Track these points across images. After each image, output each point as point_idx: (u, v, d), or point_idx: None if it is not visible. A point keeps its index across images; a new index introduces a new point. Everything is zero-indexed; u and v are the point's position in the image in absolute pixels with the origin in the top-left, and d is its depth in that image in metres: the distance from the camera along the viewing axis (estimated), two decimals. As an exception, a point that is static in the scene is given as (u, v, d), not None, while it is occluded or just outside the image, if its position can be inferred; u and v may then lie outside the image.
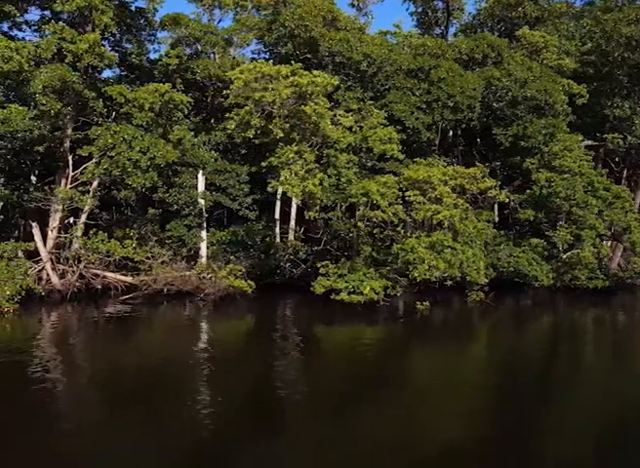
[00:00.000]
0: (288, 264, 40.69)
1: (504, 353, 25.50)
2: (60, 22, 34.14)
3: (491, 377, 21.59)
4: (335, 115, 28.35)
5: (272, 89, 26.36)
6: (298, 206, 44.55)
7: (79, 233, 36.74)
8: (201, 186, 39.93)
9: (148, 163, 33.13)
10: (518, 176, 38.32)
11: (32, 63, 32.39)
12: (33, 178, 41.67)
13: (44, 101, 32.75)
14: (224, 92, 28.61)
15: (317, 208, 27.78)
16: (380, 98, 36.99)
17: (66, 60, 33.98)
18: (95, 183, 37.04)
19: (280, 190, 45.46)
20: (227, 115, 28.41)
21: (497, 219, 38.87)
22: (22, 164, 39.00)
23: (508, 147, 36.35)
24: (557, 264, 35.49)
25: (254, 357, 24.26)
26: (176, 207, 37.71)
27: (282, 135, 27.08)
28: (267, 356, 23.94)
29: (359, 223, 28.98)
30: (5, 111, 31.91)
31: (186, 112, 37.24)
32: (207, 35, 44.09)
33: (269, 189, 44.47)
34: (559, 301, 36.26)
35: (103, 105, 35.71)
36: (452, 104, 34.44)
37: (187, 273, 36.86)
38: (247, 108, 26.99)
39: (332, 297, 29.68)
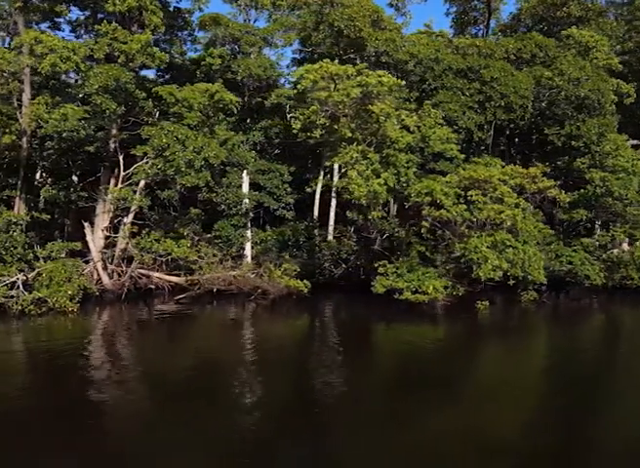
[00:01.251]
0: (327, 264, 40.77)
1: (566, 352, 25.58)
2: (114, 23, 34.10)
3: (555, 376, 21.67)
4: (399, 115, 28.37)
5: (339, 88, 26.34)
6: (336, 205, 44.79)
7: (127, 233, 36.82)
8: (245, 186, 40.00)
9: (202, 163, 33.16)
10: (562, 176, 38.30)
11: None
12: (74, 178, 41.77)
13: (99, 101, 32.79)
14: (293, 91, 28.31)
15: (379, 207, 27.78)
16: (424, 98, 36.98)
17: (119, 61, 34.06)
18: (142, 183, 37.06)
19: (319, 190, 45.70)
20: (292, 115, 28.40)
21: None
22: (68, 164, 39.08)
23: (560, 147, 36.39)
24: (607, 263, 35.56)
25: (318, 355, 24.46)
26: (223, 207, 37.69)
27: (350, 134, 27.10)
28: (331, 354, 24.09)
29: (424, 223, 28.99)
30: (61, 110, 31.91)
31: (236, 112, 37.27)
32: (246, 35, 44.19)
33: (309, 189, 45.05)
34: (613, 300, 36.34)
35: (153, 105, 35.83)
36: (505, 104, 34.46)
37: (246, 273, 36.87)
38: (313, 108, 26.99)
39: (395, 297, 29.74)
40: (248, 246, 39.66)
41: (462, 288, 30.26)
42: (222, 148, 35.69)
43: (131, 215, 37.61)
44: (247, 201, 39.15)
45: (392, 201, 34.68)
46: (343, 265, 40.78)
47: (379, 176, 27.11)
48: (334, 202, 45.34)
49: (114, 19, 36.32)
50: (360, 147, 27.62)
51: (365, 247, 38.16)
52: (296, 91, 27.55)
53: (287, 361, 23.17)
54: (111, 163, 37.92)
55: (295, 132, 28.52)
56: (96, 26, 34.48)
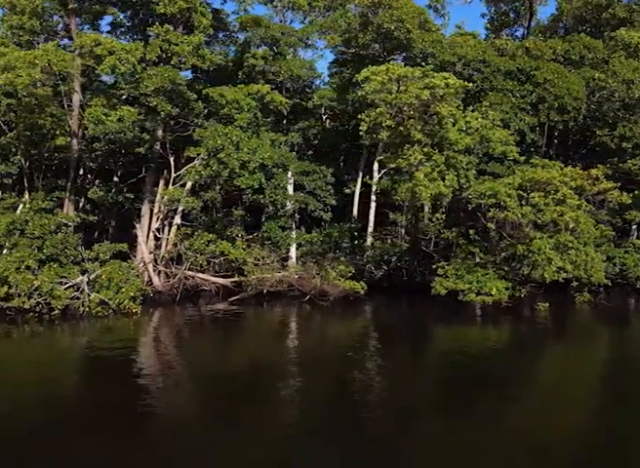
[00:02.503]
0: (370, 266, 40.81)
1: (627, 354, 25.57)
2: (166, 25, 34.13)
3: (616, 378, 21.53)
4: (465, 117, 28.38)
5: (407, 90, 26.35)
6: (375, 207, 44.90)
7: (180, 235, 36.89)
8: (291, 187, 40.07)
9: (256, 164, 33.20)
10: (611, 178, 38.25)
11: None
12: (115, 180, 41.84)
13: (155, 103, 32.83)
14: (360, 93, 28.20)
15: (442, 209, 27.79)
16: (470, 100, 36.98)
17: (172, 62, 34.10)
18: (188, 185, 37.09)
19: (357, 191, 45.74)
20: (360, 116, 28.43)
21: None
22: (114, 165, 39.13)
23: (610, 149, 36.41)
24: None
25: (379, 355, 24.47)
26: (271, 208, 37.71)
27: (420, 136, 27.13)
28: (393, 354, 24.08)
29: (489, 224, 28.99)
30: (118, 112, 31.95)
31: (285, 113, 37.30)
32: (285, 36, 44.23)
33: (347, 190, 45.13)
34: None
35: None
36: (558, 106, 34.48)
37: (292, 274, 36.87)
38: (380, 110, 27.00)
39: (460, 299, 29.78)
40: (293, 247, 39.71)
41: (524, 289, 30.30)
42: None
43: (178, 217, 37.72)
44: (292, 202, 39.21)
45: (438, 202, 34.66)
46: (385, 267, 40.85)
47: (443, 179, 27.11)
48: (373, 203, 45.48)
49: (158, 20, 36.44)
50: (426, 149, 27.62)
51: (410, 248, 38.16)
52: (362, 93, 27.48)
53: (348, 362, 23.12)
54: (157, 164, 38.00)
55: (361, 133, 28.53)
56: (148, 28, 34.47)
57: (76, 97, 35.51)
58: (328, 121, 51.79)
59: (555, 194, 28.42)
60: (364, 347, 26.11)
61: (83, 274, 29.86)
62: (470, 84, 28.97)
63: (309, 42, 48.54)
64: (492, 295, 28.65)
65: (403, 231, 39.42)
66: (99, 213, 40.64)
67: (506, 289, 29.39)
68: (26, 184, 37.39)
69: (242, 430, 15.93)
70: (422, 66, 33.61)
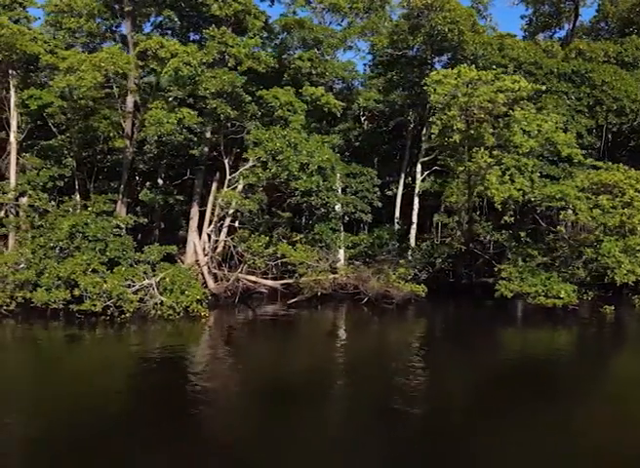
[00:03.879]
0: (418, 267, 40.73)
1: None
2: (223, 27, 34.09)
3: None
4: (536, 119, 28.33)
5: (479, 94, 26.33)
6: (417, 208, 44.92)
7: (223, 237, 36.89)
8: (339, 189, 40.03)
9: (315, 167, 33.18)
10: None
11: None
12: (159, 181, 41.83)
13: (214, 105, 32.81)
14: (433, 97, 27.99)
15: (511, 212, 27.77)
16: (524, 103, 36.90)
17: (229, 64, 34.08)
18: (240, 187, 37.06)
19: (399, 193, 45.72)
20: (431, 119, 28.36)
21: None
22: (165, 168, 39.14)
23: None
24: None
25: (445, 357, 24.37)
26: (323, 210, 37.63)
27: (493, 140, 27.11)
28: (461, 357, 24.02)
29: (559, 227, 28.96)
30: (178, 114, 31.93)
31: (339, 115, 37.29)
32: (328, 38, 44.19)
33: (389, 192, 45.12)
34: None
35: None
36: (616, 108, 34.45)
37: (343, 276, 36.83)
38: (451, 113, 26.96)
39: (528, 301, 29.76)
40: (341, 249, 39.65)
41: (592, 292, 30.27)
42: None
43: (228, 219, 37.71)
44: (340, 204, 39.17)
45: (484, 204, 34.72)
46: (430, 269, 40.77)
47: (513, 181, 27.07)
48: (416, 205, 45.45)
49: (206, 22, 36.43)
50: (495, 152, 27.60)
51: (462, 250, 38.12)
52: (436, 96, 27.41)
53: (413, 363, 23.11)
54: (206, 166, 37.99)
55: (432, 136, 28.47)
56: (204, 30, 34.43)
57: (130, 100, 35.53)
58: (366, 122, 51.84)
59: (622, 197, 28.35)
60: (431, 350, 26.05)
61: (148, 277, 29.76)
62: (543, 87, 28.95)
63: (350, 44, 48.65)
64: (561, 298, 28.60)
65: (457, 233, 39.19)
66: (147, 215, 40.69)
67: (573, 291, 29.32)
68: (77, 187, 37.45)
69: (303, 434, 15.83)
70: (475, 69, 33.63)
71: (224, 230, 37.40)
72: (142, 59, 31.96)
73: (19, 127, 35.00)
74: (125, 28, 35.59)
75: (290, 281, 37.40)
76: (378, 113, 50.21)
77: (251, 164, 34.86)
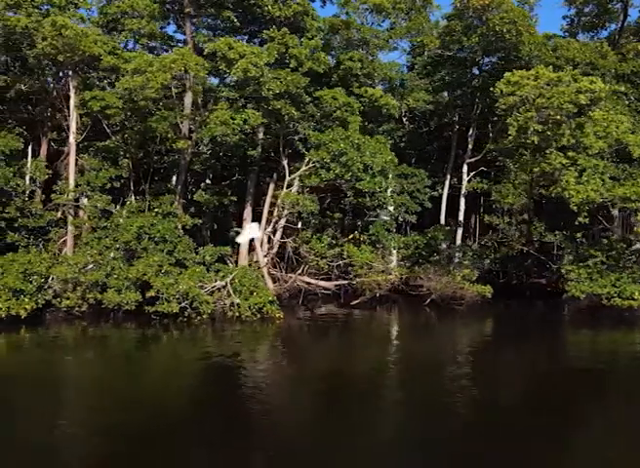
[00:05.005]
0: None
1: None
2: (284, 28, 34.06)
3: None
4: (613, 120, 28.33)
5: (556, 95, 26.33)
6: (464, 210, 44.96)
7: (277, 237, 36.87)
8: (389, 190, 40.01)
9: (379, 167, 33.18)
10: None
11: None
12: (207, 182, 41.87)
13: (278, 106, 32.82)
14: (510, 98, 27.87)
15: (585, 213, 27.75)
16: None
17: (290, 65, 34.05)
18: (295, 188, 37.03)
19: (445, 193, 45.70)
20: (507, 121, 28.36)
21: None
22: (221, 168, 39.13)
23: None
24: None
25: (520, 360, 24.30)
26: (379, 211, 37.67)
27: (573, 141, 27.11)
28: (535, 358, 23.89)
29: (637, 229, 28.96)
30: (243, 115, 31.95)
31: (397, 116, 37.31)
32: (374, 38, 44.20)
33: (434, 193, 45.08)
34: None
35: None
36: (680, 108, 34.54)
37: (392, 277, 36.86)
38: (528, 114, 26.95)
39: (604, 303, 29.74)
40: (394, 250, 39.66)
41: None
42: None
43: (283, 220, 37.69)
44: (394, 205, 39.20)
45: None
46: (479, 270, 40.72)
47: (588, 182, 27.08)
48: (462, 206, 45.46)
49: (263, 23, 36.46)
50: (571, 153, 27.59)
51: (518, 251, 38.11)
52: (508, 97, 27.38)
53: (485, 366, 23.04)
54: (260, 167, 38.00)
55: (510, 137, 28.44)
56: (264, 31, 34.43)
57: (188, 100, 35.54)
58: (407, 123, 51.83)
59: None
60: (504, 351, 26.06)
61: (219, 278, 29.78)
62: (623, 87, 28.94)
63: (395, 44, 48.67)
64: (635, 299, 28.62)
65: (515, 234, 39.11)
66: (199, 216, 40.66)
67: (645, 293, 29.32)
68: (132, 188, 37.45)
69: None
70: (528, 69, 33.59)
71: (279, 231, 37.43)
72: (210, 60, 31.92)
73: (77, 128, 35.00)
74: (186, 30, 35.52)
75: (344, 282, 37.49)
76: (419, 114, 50.26)
77: (310, 165, 34.81)
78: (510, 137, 27.91)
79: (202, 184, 38.54)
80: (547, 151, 27.61)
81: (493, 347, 27.09)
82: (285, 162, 35.60)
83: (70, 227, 34.30)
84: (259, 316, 28.40)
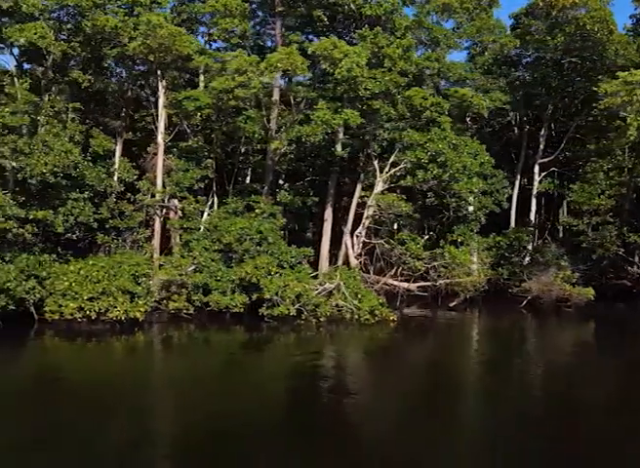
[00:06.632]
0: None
1: None
2: (377, 27, 33.70)
3: None
4: None
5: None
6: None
7: (362, 239, 36.51)
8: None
9: (477, 168, 32.84)
10: None
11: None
12: (280, 182, 41.44)
13: (377, 106, 32.49)
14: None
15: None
16: None
17: (384, 65, 33.68)
18: (378, 188, 36.61)
19: (515, 194, 45.30)
20: (629, 121, 28.04)
21: None
22: (305, 168, 38.73)
23: None
24: None
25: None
26: (464, 212, 37.27)
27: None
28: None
29: None
30: (342, 115, 31.59)
31: (486, 116, 37.01)
32: (444, 38, 43.83)
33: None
34: None
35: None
36: None
37: (476, 279, 36.47)
38: (651, 113, 26.69)
39: None
40: (474, 251, 39.25)
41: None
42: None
43: (366, 221, 37.28)
44: (473, 206, 38.80)
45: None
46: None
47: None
48: (534, 207, 45.16)
49: (353, 24, 36.13)
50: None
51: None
52: (619, 98, 27.10)
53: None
54: (341, 167, 37.59)
55: (631, 136, 28.11)
56: (357, 31, 34.06)
57: (276, 99, 35.22)
58: (470, 123, 51.44)
59: None
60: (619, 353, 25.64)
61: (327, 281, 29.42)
62: None
63: (464, 44, 48.27)
64: None
65: (610, 235, 38.46)
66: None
67: None
68: (215, 188, 37.07)
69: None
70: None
71: (363, 232, 37.03)
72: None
73: (166, 128, 34.68)
74: (276, 29, 35.20)
75: (427, 283, 37.11)
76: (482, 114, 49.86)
77: (402, 165, 34.46)
78: (632, 137, 27.56)
79: (285, 185, 38.07)
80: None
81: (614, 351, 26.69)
82: (376, 162, 35.16)
83: (157, 228, 34.10)
84: (376, 319, 27.96)
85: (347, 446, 14.66)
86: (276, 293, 27.51)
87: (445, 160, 32.22)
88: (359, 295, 29.65)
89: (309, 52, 30.73)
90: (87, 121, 36.31)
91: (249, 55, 32.97)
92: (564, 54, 39.78)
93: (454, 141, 32.71)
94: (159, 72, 33.99)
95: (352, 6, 35.03)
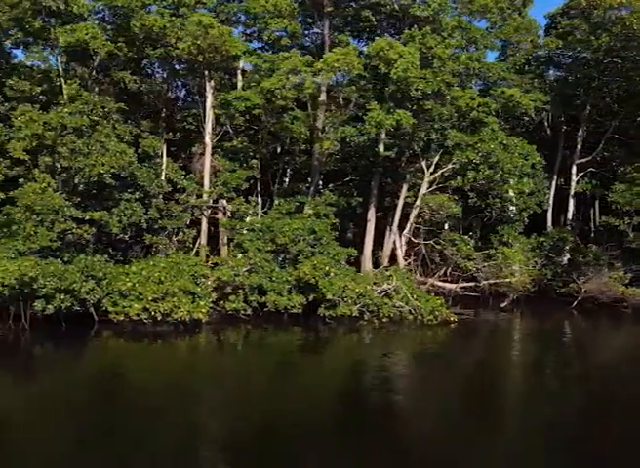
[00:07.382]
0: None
1: None
2: (426, 27, 33.62)
3: None
4: None
5: None
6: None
7: (405, 239, 36.46)
8: (511, 191, 39.53)
9: (529, 168, 32.80)
10: None
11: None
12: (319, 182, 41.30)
13: (429, 107, 32.43)
14: None
15: None
16: None
17: (434, 65, 33.60)
18: (423, 189, 36.50)
19: (552, 194, 45.20)
20: None
21: None
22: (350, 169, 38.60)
23: None
24: None
25: None
26: (508, 212, 37.18)
27: None
28: None
29: None
30: (394, 115, 31.53)
31: (533, 115, 36.97)
32: (482, 38, 43.74)
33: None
34: None
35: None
36: None
37: (520, 279, 36.37)
38: None
39: None
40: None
41: None
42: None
43: (414, 222, 37.15)
44: (515, 206, 38.73)
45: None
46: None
47: None
48: (571, 207, 45.03)
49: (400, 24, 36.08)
50: None
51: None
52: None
53: None
54: (384, 167, 37.48)
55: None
56: (406, 31, 33.99)
57: (322, 100, 35.13)
58: (502, 122, 51.31)
59: None
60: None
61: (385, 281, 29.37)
62: None
63: (499, 44, 48.11)
64: None
65: None
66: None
67: None
68: (259, 188, 37.01)
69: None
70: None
71: (410, 233, 36.93)
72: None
73: (212, 129, 34.63)
74: (324, 29, 35.12)
75: (471, 284, 37.00)
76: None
77: (450, 165, 34.39)
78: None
79: (330, 185, 37.96)
80: None
81: None
82: (423, 163, 35.08)
83: (204, 228, 34.09)
84: (438, 319, 27.90)
85: (395, 445, 14.66)
86: (335, 294, 27.41)
87: (496, 160, 32.15)
88: (414, 296, 29.51)
89: (365, 52, 30.64)
90: (128, 121, 36.23)
91: (303, 55, 32.93)
92: (605, 54, 39.68)
93: (504, 142, 32.58)
94: (206, 73, 34.04)
95: (396, 6, 35.09)
